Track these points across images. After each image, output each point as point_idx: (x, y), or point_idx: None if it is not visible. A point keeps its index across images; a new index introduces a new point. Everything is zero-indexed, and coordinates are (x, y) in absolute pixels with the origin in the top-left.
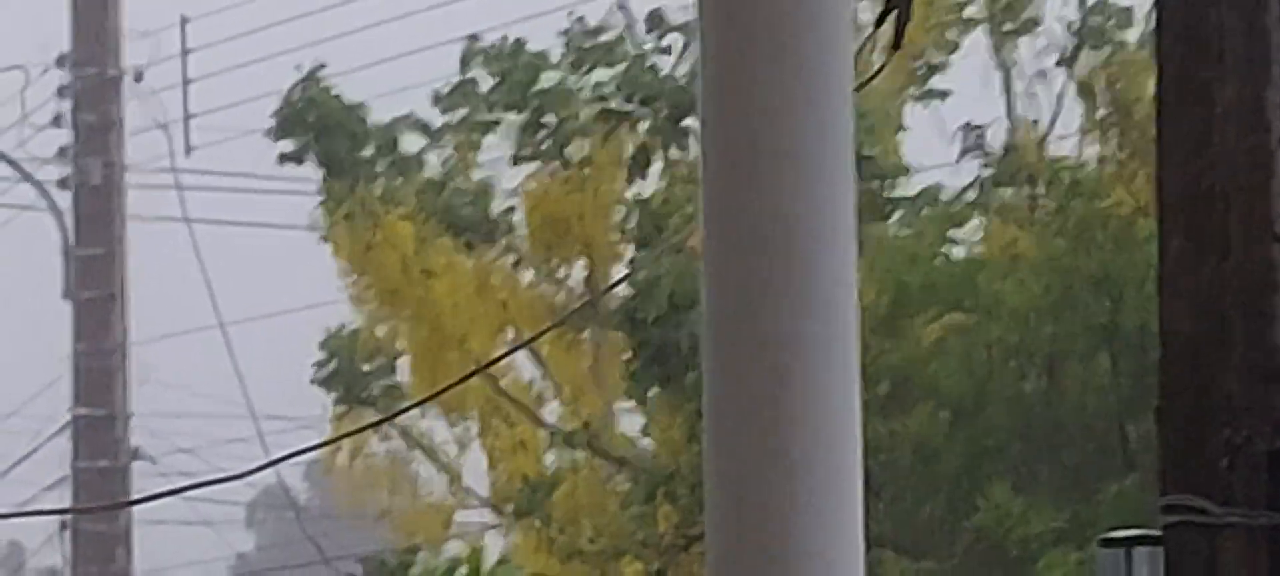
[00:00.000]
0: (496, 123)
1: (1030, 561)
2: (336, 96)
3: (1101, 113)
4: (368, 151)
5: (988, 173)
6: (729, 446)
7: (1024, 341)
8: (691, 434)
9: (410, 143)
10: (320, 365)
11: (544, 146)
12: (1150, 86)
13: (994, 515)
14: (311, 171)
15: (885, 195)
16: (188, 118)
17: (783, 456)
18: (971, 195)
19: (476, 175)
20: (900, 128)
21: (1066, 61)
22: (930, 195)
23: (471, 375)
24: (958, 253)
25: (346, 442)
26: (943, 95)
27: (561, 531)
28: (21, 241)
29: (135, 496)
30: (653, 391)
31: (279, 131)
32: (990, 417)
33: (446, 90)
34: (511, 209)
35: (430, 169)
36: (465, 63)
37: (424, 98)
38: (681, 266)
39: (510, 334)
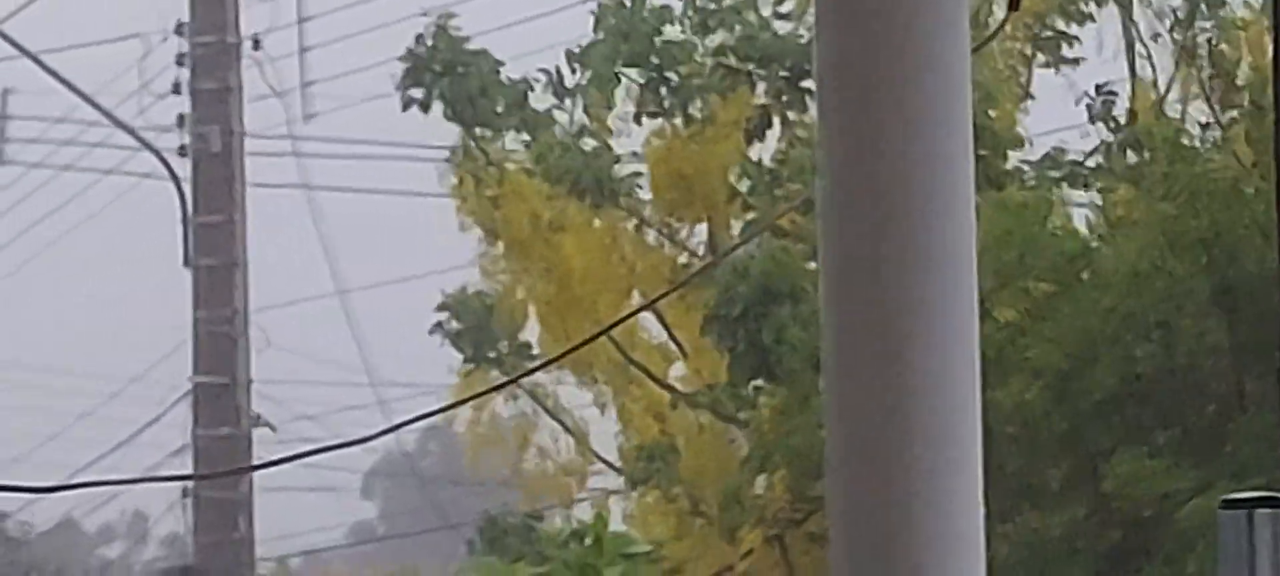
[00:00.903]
0: (620, 81)
1: (1160, 522)
2: (465, 45)
3: (1208, 76)
4: (497, 106)
5: (1110, 138)
6: (849, 410)
7: (1136, 304)
8: (804, 403)
9: (538, 100)
10: (445, 325)
11: (667, 104)
12: (1255, 52)
13: (1119, 477)
14: (431, 136)
15: (1001, 164)
16: (305, 85)
17: (902, 419)
18: (1089, 161)
19: (603, 135)
20: (1025, 95)
21: (1178, 27)
22: (1050, 161)
23: (595, 337)
24: (1078, 217)
25: (471, 405)
26: (1070, 62)
27: (685, 495)
28: (142, 210)
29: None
30: (754, 382)
31: (406, 80)
32: (1105, 380)
33: (575, 49)
34: (637, 173)
35: (557, 127)
36: (595, 23)
37: (548, 59)
38: (771, 260)
39: (635, 295)
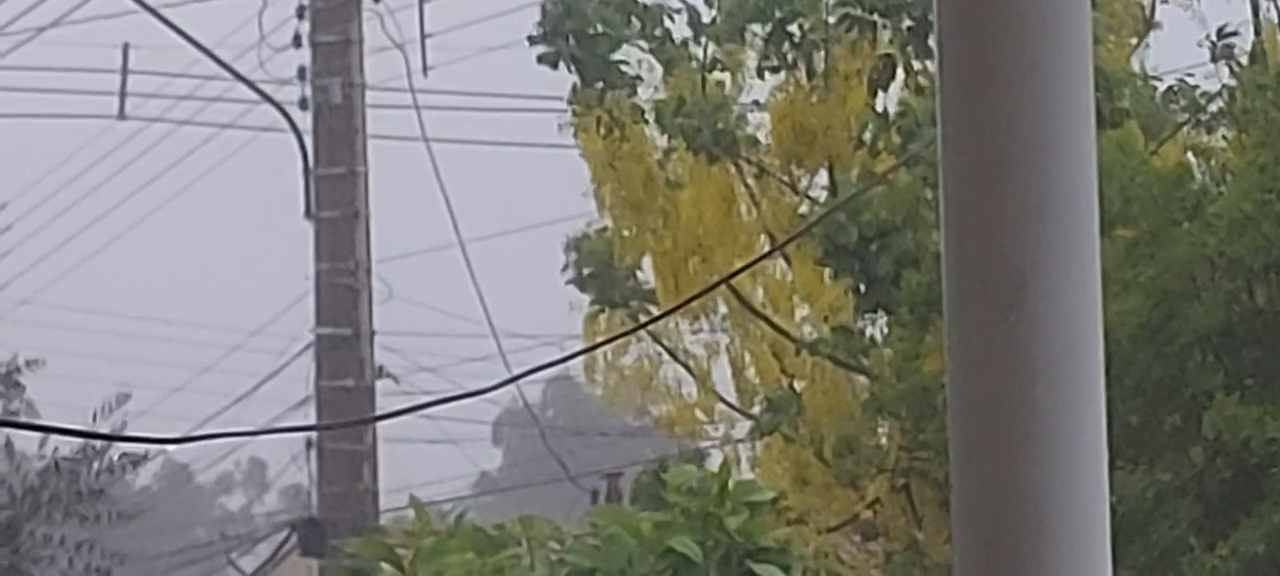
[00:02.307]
0: (743, 32)
1: (1267, 466)
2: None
3: None
4: (618, 57)
5: (1229, 80)
6: (971, 354)
7: (1238, 248)
8: (918, 351)
9: (660, 52)
10: (570, 269)
11: (790, 57)
12: None
13: (1225, 422)
14: (551, 87)
15: (1116, 104)
16: (425, 37)
17: (1024, 362)
18: (1211, 104)
19: (724, 86)
20: (1148, 30)
21: None
22: (1170, 98)
23: (716, 285)
24: (1191, 159)
25: (594, 356)
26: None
27: (808, 442)
28: (263, 162)
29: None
30: (878, 318)
31: (541, 31)
32: (1209, 324)
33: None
34: (747, 120)
35: (677, 78)
36: None
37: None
38: (891, 197)
39: (762, 242)
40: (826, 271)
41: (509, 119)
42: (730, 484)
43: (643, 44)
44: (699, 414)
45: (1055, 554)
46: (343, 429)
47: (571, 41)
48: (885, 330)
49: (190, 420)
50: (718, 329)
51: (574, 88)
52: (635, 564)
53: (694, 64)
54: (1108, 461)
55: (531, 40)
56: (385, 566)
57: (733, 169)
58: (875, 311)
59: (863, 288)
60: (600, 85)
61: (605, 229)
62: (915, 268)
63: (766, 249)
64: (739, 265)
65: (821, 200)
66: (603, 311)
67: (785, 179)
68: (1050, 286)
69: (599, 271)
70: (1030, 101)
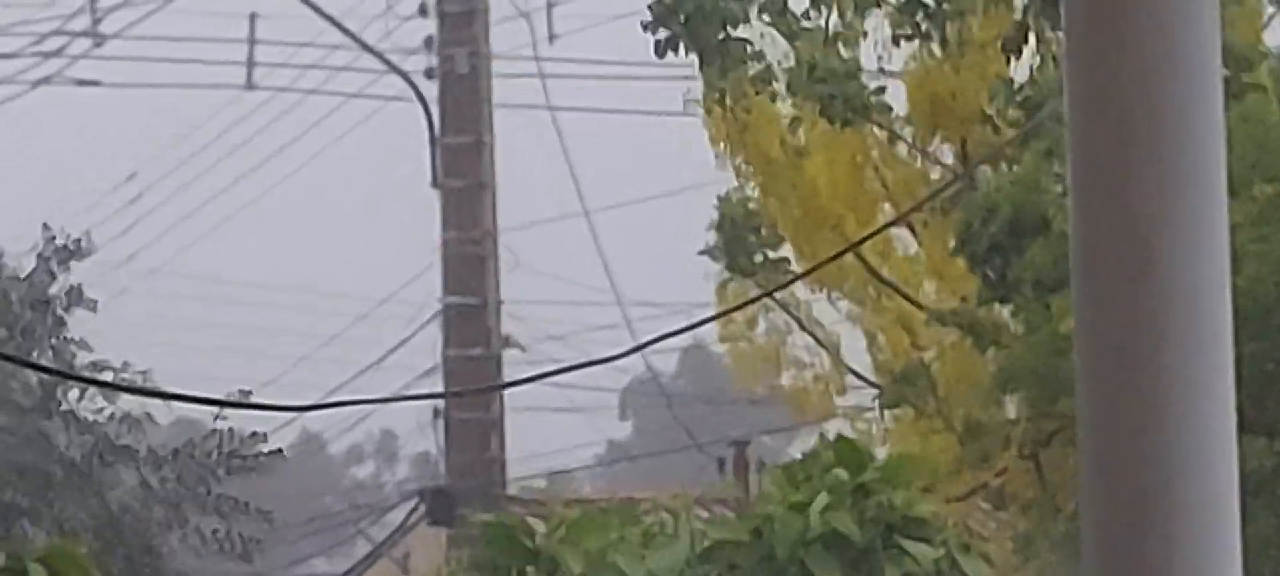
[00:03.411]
0: (877, 2)
1: None
2: None
3: None
4: (742, 31)
5: None
6: (1099, 322)
7: None
8: (1046, 322)
9: (785, 22)
10: (701, 238)
11: (923, 27)
12: None
13: None
14: (678, 56)
15: (1245, 78)
16: (551, 6)
17: (1152, 330)
18: None
19: (853, 54)
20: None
21: None
22: None
23: (844, 252)
24: None
25: (727, 320)
26: None
27: (937, 413)
28: (390, 132)
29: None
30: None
31: (653, 17)
32: None
33: None
34: (884, 88)
35: (805, 48)
36: None
37: None
38: (1022, 194)
39: (887, 209)
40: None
41: (635, 88)
42: (878, 457)
43: (765, 17)
44: (828, 386)
45: (1184, 519)
46: (470, 398)
47: (685, 21)
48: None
49: (319, 389)
50: (850, 298)
51: (699, 58)
52: (784, 537)
53: (818, 34)
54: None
55: (645, 27)
56: (517, 536)
57: (864, 136)
58: (1004, 301)
59: (993, 278)
60: (721, 60)
61: (735, 199)
62: (1043, 242)
63: (899, 215)
64: (868, 232)
65: (956, 170)
66: (733, 280)
67: (919, 147)
68: (1178, 253)
69: (729, 241)
70: (1158, 68)
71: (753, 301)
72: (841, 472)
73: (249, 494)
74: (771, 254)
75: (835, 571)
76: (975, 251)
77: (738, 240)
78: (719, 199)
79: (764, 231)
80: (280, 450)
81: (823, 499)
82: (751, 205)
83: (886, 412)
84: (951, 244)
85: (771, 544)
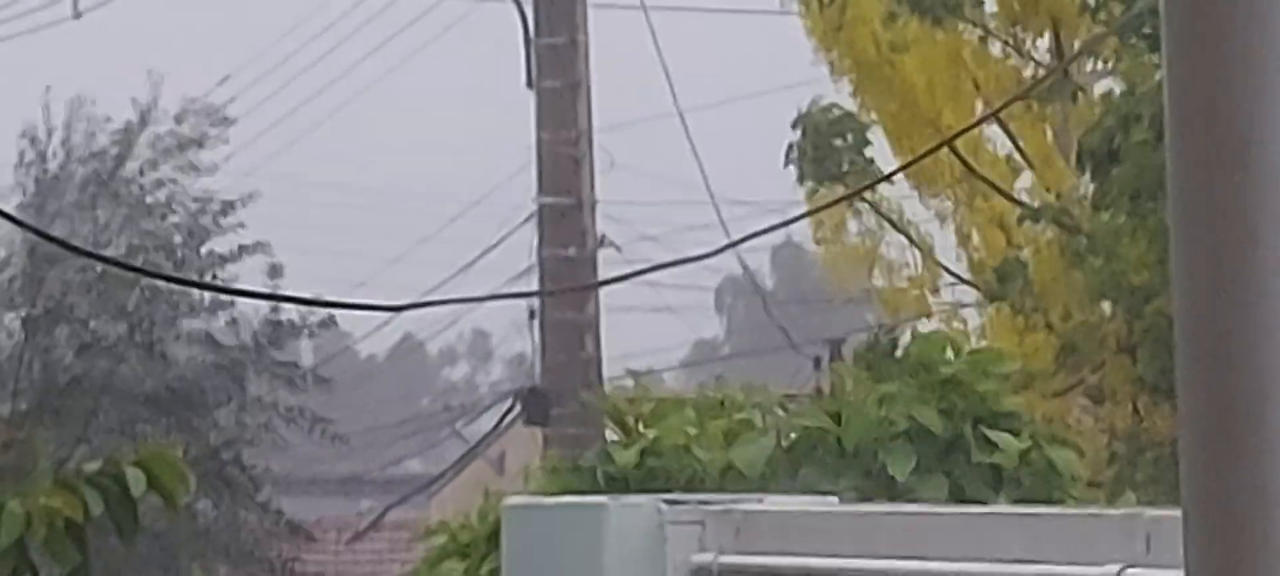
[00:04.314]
0: None
1: None
2: None
3: None
4: None
5: None
6: (1193, 221)
7: None
8: (1143, 223)
9: None
10: (792, 142)
11: None
12: None
13: None
14: None
15: None
16: None
17: (1248, 228)
18: None
19: None
20: None
21: None
22: None
23: (937, 147)
24: None
25: (818, 223)
26: None
27: (1033, 310)
28: (484, 33)
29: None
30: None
31: None
32: None
33: None
34: None
35: None
36: None
37: None
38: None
39: (980, 107)
40: (1051, 138)
41: None
42: (965, 350)
43: None
44: (922, 285)
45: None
46: (565, 298)
47: None
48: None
49: (413, 290)
50: (944, 195)
51: None
52: (868, 429)
53: None
54: None
55: None
56: (610, 430)
57: (958, 33)
58: (1110, 208)
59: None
60: None
61: (816, 111)
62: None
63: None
64: (961, 128)
65: (1047, 64)
66: (820, 188)
67: (1010, 42)
68: (1275, 147)
69: (813, 149)
70: None
71: (842, 199)
72: (923, 365)
73: (344, 393)
74: (859, 159)
75: (915, 462)
76: (1089, 151)
77: (822, 149)
78: (801, 113)
79: (851, 136)
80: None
81: (903, 390)
82: (835, 112)
83: (982, 310)
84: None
85: (853, 436)
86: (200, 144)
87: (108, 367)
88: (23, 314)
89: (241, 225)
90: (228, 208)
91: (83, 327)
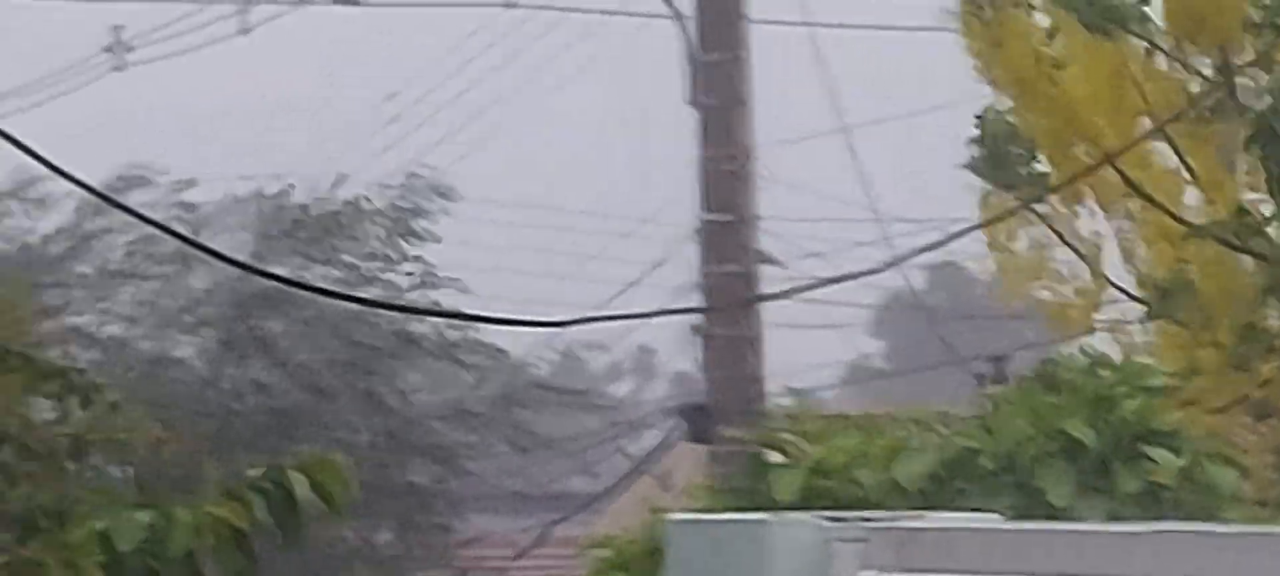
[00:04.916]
0: None
1: None
2: None
3: None
4: None
5: None
6: None
7: None
8: None
9: None
10: (956, 154)
11: None
12: None
13: None
14: None
15: None
16: None
17: None
18: None
19: None
20: None
21: None
22: None
23: (1101, 163)
24: None
25: (993, 234)
26: None
27: (1197, 325)
28: (646, 50)
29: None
30: None
31: None
32: None
33: None
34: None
35: None
36: None
37: None
38: None
39: (1145, 124)
40: (1215, 155)
41: (891, 2)
42: (1124, 366)
43: None
44: (1088, 300)
45: None
46: (728, 315)
47: None
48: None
49: (578, 307)
50: (1109, 210)
51: None
52: (1026, 446)
53: None
54: None
55: None
56: (774, 453)
57: (1122, 47)
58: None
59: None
60: None
61: (994, 115)
62: None
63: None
64: (1126, 143)
65: (1213, 80)
66: (993, 194)
67: (1176, 57)
68: None
69: (990, 155)
70: None
71: (1009, 214)
72: (1088, 381)
73: (510, 411)
74: (1031, 169)
75: (1072, 478)
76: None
77: (999, 154)
78: (978, 117)
79: (1024, 148)
80: None
81: (1059, 407)
82: (1011, 120)
83: (1147, 327)
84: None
85: (1010, 453)
86: (421, 215)
87: (308, 401)
88: (219, 337)
89: (418, 257)
90: (431, 277)
91: (280, 361)
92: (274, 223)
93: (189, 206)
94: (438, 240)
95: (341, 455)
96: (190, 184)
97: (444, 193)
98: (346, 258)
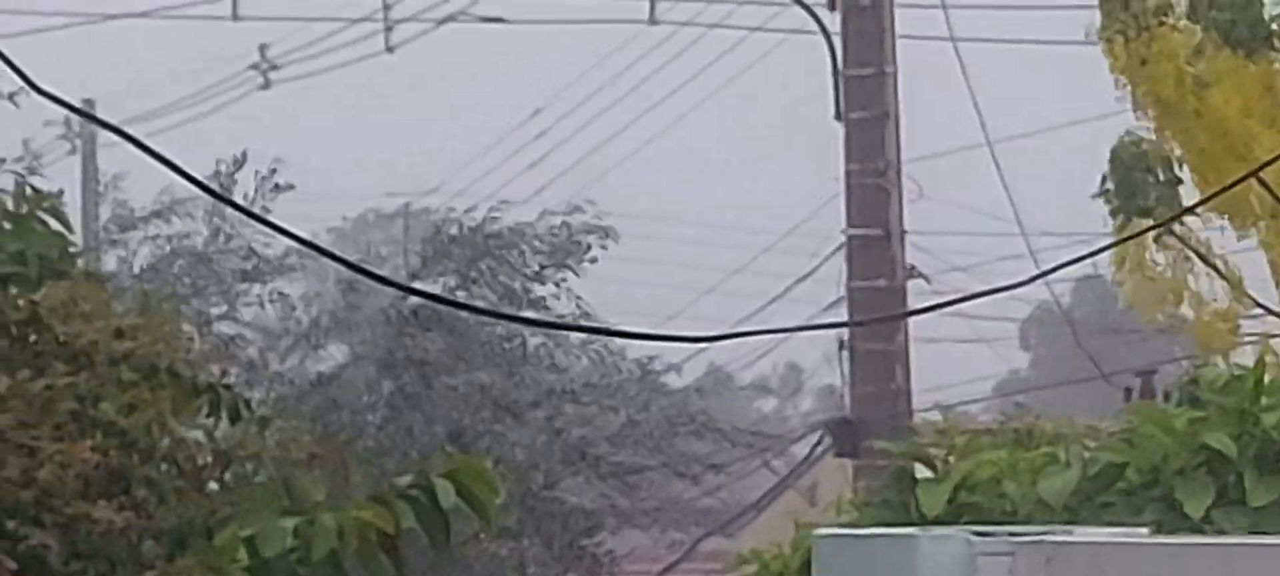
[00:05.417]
0: None
1: None
2: None
3: None
4: None
5: None
6: None
7: None
8: None
9: None
10: (1104, 173)
11: None
12: None
13: None
14: None
15: None
16: None
17: None
18: None
19: None
20: None
21: None
22: None
23: (1243, 179)
24: None
25: (1126, 255)
26: None
27: None
28: (793, 65)
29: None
30: None
31: None
32: None
33: None
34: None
35: None
36: None
37: None
38: None
39: None
40: None
41: (1036, 17)
42: (1265, 380)
43: None
44: (1223, 324)
45: None
46: (875, 329)
47: None
48: None
49: (723, 321)
50: (1253, 226)
51: None
52: (1169, 459)
53: None
54: None
55: None
56: (920, 466)
57: (1269, 64)
58: None
59: None
60: None
61: (1125, 141)
62: None
63: None
64: (1270, 158)
65: None
66: (1127, 222)
67: None
68: None
69: (1120, 183)
70: None
71: (1151, 230)
72: (1230, 395)
73: (661, 428)
74: (1169, 191)
75: (1210, 491)
76: None
77: (1131, 182)
78: (1111, 148)
79: (1160, 170)
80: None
81: (1202, 422)
82: (1143, 146)
83: None
84: None
85: (1154, 467)
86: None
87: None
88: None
89: (563, 278)
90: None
91: (434, 378)
92: (430, 242)
93: (337, 222)
94: (593, 260)
95: (489, 461)
96: (337, 199)
97: (604, 231)
98: (502, 278)
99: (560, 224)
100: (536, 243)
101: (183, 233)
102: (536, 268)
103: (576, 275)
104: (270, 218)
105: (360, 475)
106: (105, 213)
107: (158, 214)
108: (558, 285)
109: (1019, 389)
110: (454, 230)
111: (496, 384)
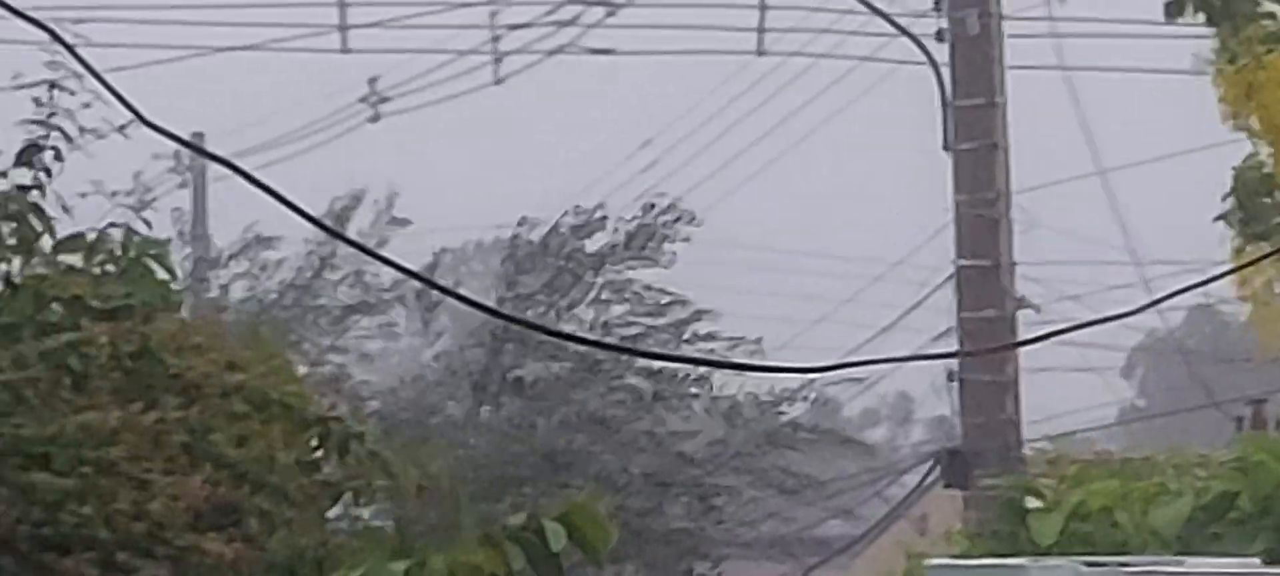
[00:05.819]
0: None
1: None
2: None
3: None
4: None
5: None
6: None
7: None
8: None
9: None
10: (1215, 195)
11: None
12: None
13: None
14: (1187, 16)
15: None
16: None
17: None
18: None
19: None
20: None
21: None
22: None
23: None
24: None
25: (1244, 282)
26: None
27: None
28: (901, 95)
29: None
30: None
31: None
32: None
33: None
34: None
35: None
36: None
37: None
38: None
39: None
40: None
41: (1147, 45)
42: None
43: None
44: None
45: None
46: (985, 359)
47: None
48: None
49: (834, 351)
50: None
51: (1208, 18)
52: (1270, 487)
53: None
54: None
55: None
56: (1031, 497)
57: None
58: None
59: None
60: (1232, 20)
61: (1249, 164)
62: None
63: None
64: None
65: None
66: (1244, 247)
67: None
68: None
69: (1243, 206)
70: None
71: (1269, 256)
72: None
73: (770, 454)
74: None
75: None
76: None
77: (1253, 206)
78: (1234, 169)
79: (1277, 195)
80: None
81: None
82: (1266, 171)
83: None
84: None
85: (1267, 497)
86: (663, 238)
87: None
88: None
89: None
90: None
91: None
92: (529, 269)
93: (442, 253)
94: (668, 262)
95: (601, 500)
96: (447, 232)
97: (669, 234)
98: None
99: (640, 223)
100: (633, 264)
101: (288, 267)
102: (639, 283)
103: (671, 294)
104: (383, 251)
105: (469, 506)
106: (220, 240)
107: (267, 244)
108: (659, 307)
109: (1130, 419)
110: (564, 260)
111: (592, 401)
